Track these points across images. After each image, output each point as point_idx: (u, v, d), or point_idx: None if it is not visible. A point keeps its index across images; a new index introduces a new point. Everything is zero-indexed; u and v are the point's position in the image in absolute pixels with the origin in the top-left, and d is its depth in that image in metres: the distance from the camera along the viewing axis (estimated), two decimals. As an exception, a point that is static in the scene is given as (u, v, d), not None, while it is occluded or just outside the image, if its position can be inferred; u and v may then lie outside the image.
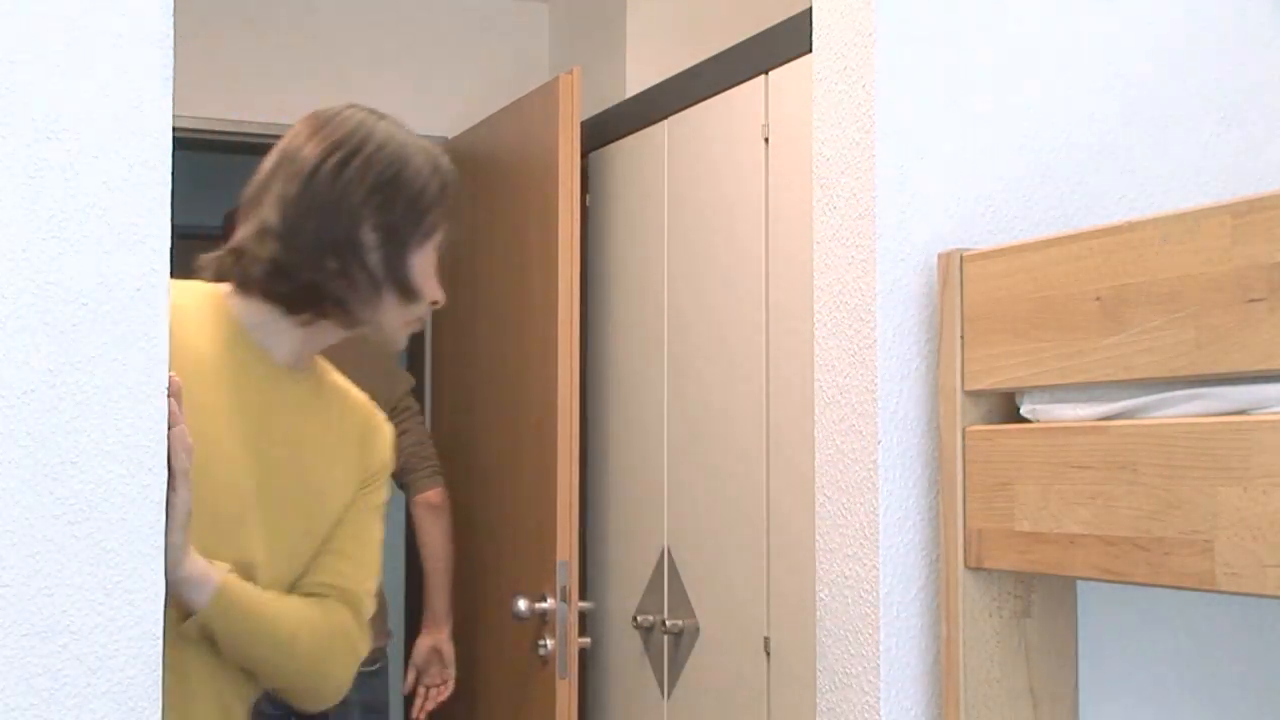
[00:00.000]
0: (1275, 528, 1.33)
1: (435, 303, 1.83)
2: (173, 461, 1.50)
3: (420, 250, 1.78)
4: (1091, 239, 1.56)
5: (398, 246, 1.76)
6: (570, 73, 3.31)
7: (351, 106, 1.82)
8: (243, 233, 1.79)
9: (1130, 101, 1.95)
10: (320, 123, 1.79)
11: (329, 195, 1.73)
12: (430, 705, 3.47)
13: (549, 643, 3.23)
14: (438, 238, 1.81)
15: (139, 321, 1.43)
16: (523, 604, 3.27)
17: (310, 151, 1.75)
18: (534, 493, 3.37)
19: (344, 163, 1.74)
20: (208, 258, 1.82)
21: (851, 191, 1.85)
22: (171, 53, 1.48)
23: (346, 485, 1.85)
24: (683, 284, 3.26)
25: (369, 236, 1.74)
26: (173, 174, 1.47)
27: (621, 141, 3.59)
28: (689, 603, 3.17)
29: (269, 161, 1.79)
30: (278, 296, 1.77)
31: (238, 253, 1.78)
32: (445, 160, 1.83)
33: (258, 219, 1.77)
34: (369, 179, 1.74)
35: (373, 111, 1.82)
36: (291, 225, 1.74)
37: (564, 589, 3.22)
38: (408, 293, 1.78)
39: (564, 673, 3.21)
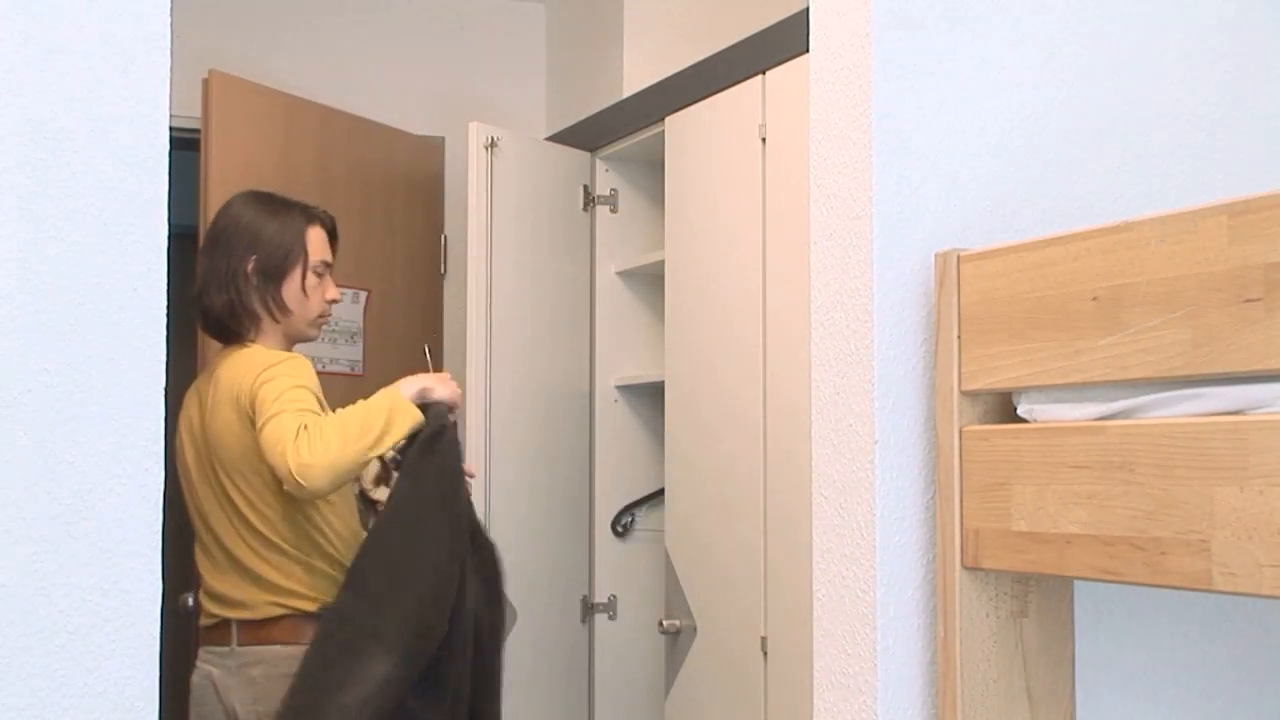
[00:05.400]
0: (1271, 528, 1.33)
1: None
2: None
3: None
4: (1088, 239, 1.56)
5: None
6: (207, 75, 3.30)
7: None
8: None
9: (1127, 101, 1.94)
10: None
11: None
12: None
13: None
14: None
15: (136, 322, 1.43)
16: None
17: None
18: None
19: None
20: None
21: (848, 191, 1.85)
22: (169, 52, 1.48)
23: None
24: (680, 283, 3.26)
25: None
26: (170, 174, 1.47)
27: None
28: (687, 603, 3.17)
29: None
30: None
31: None
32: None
33: None
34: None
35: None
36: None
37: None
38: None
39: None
